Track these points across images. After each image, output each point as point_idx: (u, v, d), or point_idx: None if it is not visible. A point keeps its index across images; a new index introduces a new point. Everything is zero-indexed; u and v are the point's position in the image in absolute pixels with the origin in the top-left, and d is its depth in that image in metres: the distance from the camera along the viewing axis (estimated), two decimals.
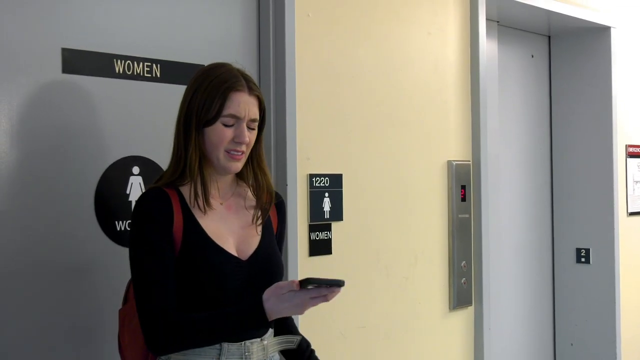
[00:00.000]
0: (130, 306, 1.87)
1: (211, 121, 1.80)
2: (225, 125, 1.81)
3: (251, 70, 2.61)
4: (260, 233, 1.91)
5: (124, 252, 1.91)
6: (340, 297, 2.80)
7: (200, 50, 2.45)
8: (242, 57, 2.56)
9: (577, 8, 3.96)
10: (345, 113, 2.87)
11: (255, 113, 1.84)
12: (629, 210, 4.33)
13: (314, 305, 1.76)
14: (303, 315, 2.62)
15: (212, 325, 1.75)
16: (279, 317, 1.77)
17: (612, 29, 4.16)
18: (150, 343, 1.75)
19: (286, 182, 2.62)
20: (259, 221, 1.91)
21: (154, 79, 2.32)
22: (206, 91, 1.80)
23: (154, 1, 2.36)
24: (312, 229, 2.72)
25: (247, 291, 1.83)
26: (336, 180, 2.80)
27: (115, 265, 2.16)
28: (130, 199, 2.24)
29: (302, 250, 2.68)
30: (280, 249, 2.01)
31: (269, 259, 1.90)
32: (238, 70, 1.87)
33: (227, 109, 1.80)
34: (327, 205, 2.77)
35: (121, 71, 2.24)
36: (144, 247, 1.76)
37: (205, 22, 2.50)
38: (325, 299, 1.75)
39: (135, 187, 2.26)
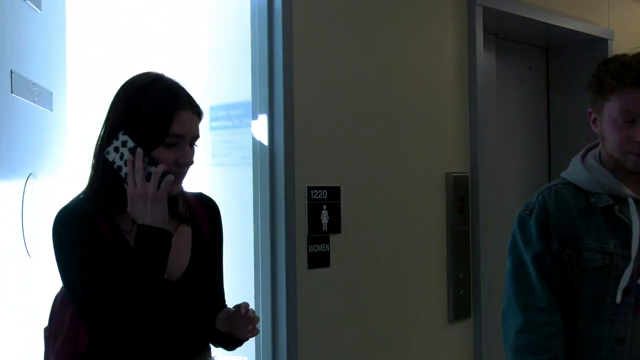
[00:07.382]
0: (55, 325, 1.72)
1: (154, 144, 1.65)
2: (167, 146, 1.66)
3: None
4: (190, 248, 1.77)
5: None
6: (339, 309, 2.82)
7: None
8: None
9: (574, 21, 3.97)
10: (343, 126, 2.87)
11: (198, 131, 1.71)
12: None
13: (166, 186, 1.62)
14: (302, 328, 2.64)
15: (130, 274, 1.59)
16: (160, 217, 1.62)
17: (609, 41, 4.17)
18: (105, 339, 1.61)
19: (284, 195, 2.62)
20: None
21: None
22: (147, 112, 1.65)
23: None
24: (310, 241, 2.72)
25: (179, 310, 1.72)
26: (334, 193, 2.80)
27: None
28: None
29: (301, 263, 2.68)
30: (219, 254, 1.88)
31: (199, 277, 1.77)
32: (175, 83, 1.72)
33: (172, 128, 1.65)
34: (325, 217, 2.76)
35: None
36: (75, 255, 1.62)
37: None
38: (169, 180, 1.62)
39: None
